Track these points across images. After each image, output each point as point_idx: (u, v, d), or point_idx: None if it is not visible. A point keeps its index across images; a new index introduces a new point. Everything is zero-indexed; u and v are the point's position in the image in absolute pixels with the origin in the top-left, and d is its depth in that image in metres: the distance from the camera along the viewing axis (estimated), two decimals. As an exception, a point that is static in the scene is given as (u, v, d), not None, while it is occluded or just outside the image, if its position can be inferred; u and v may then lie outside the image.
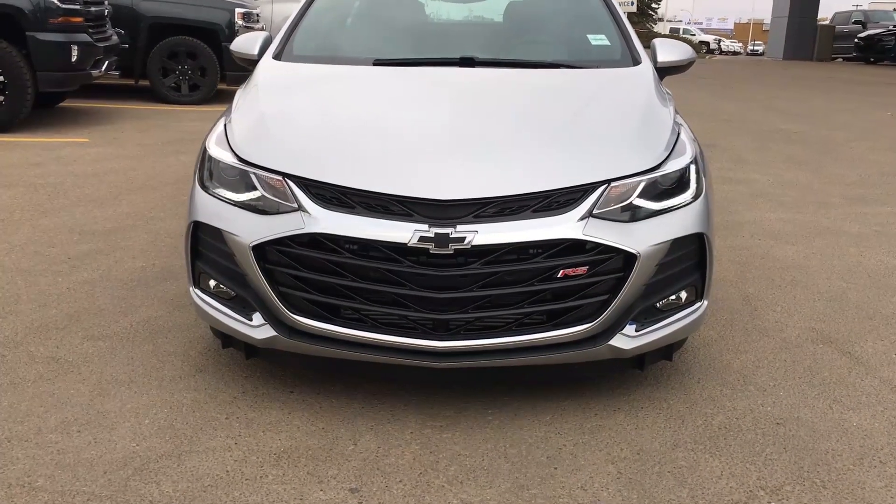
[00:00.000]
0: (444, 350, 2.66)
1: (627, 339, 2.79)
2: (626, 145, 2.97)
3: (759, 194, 6.59)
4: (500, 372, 2.83)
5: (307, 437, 2.71)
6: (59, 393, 2.96)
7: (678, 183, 2.89)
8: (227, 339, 3.02)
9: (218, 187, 2.89)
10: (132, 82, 10.99)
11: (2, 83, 7.75)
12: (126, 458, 2.56)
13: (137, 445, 2.63)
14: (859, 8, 31.46)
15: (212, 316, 2.93)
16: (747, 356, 3.44)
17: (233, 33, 10.28)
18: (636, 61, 3.70)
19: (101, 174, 6.44)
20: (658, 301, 2.86)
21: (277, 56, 3.74)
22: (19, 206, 5.38)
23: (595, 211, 2.68)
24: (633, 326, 2.80)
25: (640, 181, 2.78)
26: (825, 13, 32.55)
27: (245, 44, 3.91)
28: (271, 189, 2.75)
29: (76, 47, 7.98)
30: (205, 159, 3.01)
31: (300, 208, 2.67)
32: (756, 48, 58.12)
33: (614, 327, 2.77)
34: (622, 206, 2.73)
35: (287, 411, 2.86)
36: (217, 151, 2.97)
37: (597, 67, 3.70)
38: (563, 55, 3.86)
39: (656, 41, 3.93)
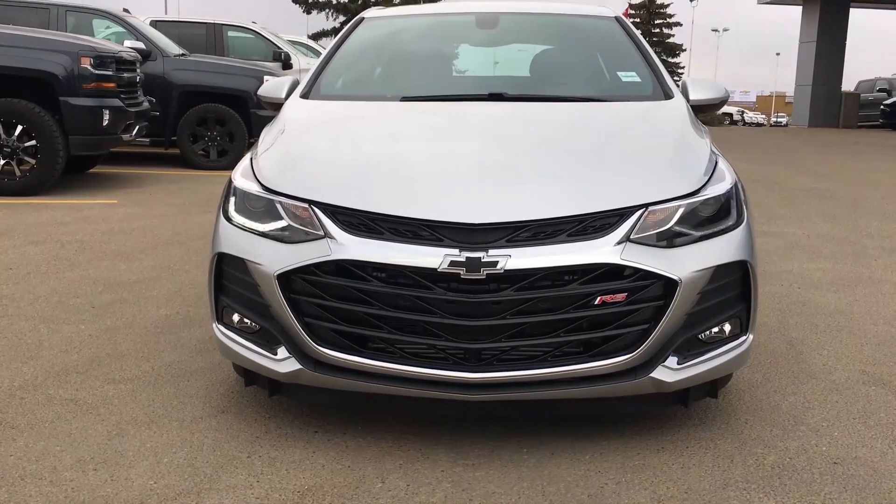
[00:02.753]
0: (477, 381, 2.53)
1: (670, 372, 2.64)
2: (664, 170, 2.87)
3: (794, 246, 6.44)
4: (536, 407, 2.69)
5: (333, 475, 2.56)
6: (76, 433, 2.84)
7: (719, 210, 2.78)
8: (251, 377, 2.91)
9: (243, 218, 2.82)
10: (162, 149, 11.14)
11: (34, 147, 7.86)
12: (142, 496, 2.43)
13: (155, 483, 2.50)
14: (883, 77, 31.48)
15: (235, 351, 2.83)
16: (796, 398, 3.26)
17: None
18: (668, 96, 3.63)
19: (128, 231, 6.44)
20: (701, 332, 2.71)
21: (305, 95, 3.72)
22: (45, 261, 5.36)
23: (633, 236, 2.57)
24: (675, 359, 2.65)
25: (680, 206, 2.67)
26: (847, 85, 32.63)
27: (273, 88, 3.91)
28: (297, 218, 2.67)
29: (108, 112, 8.11)
30: (230, 191, 2.95)
31: (326, 235, 2.59)
32: (779, 120, 58.43)
33: (655, 359, 2.63)
34: (661, 232, 2.61)
35: (311, 450, 2.72)
36: (243, 182, 2.91)
37: (629, 101, 3.63)
38: (593, 91, 3.80)
39: (687, 79, 3.86)
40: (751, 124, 54.20)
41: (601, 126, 3.30)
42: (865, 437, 2.91)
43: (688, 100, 3.68)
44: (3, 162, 7.86)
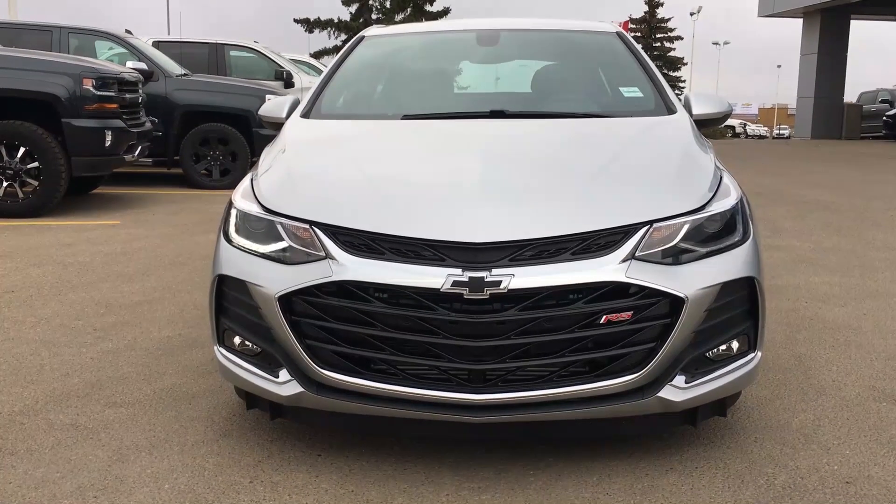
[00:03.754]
0: (481, 403, 2.49)
1: (678, 391, 2.59)
2: (668, 187, 2.84)
3: (800, 260, 6.39)
4: (542, 428, 2.64)
5: (336, 500, 2.52)
6: (76, 459, 2.81)
7: (724, 226, 2.74)
8: (252, 400, 2.87)
9: (243, 240, 2.79)
10: (165, 169, 11.16)
11: (36, 169, 7.86)
12: (143, 523, 2.39)
13: (155, 511, 2.46)
14: (885, 88, 31.47)
15: (236, 374, 2.79)
16: (806, 415, 3.21)
17: (263, 119, 10.44)
18: (671, 111, 3.60)
19: (131, 252, 6.42)
20: (709, 351, 2.67)
21: (305, 115, 3.70)
22: (48, 283, 5.34)
23: (638, 253, 2.53)
24: (683, 378, 2.61)
25: (685, 223, 2.64)
26: (849, 96, 32.63)
27: (273, 108, 3.89)
28: (298, 239, 2.64)
29: (110, 132, 8.12)
30: (230, 213, 2.93)
31: (328, 256, 2.56)
32: (782, 132, 58.40)
33: (663, 378, 2.59)
34: (666, 249, 2.58)
35: (314, 474, 2.68)
36: (243, 203, 2.89)
37: (631, 117, 3.61)
38: (595, 107, 3.77)
39: (690, 94, 3.83)
40: (753, 137, 54.18)
41: (604, 143, 3.27)
42: (878, 454, 2.86)
43: (691, 114, 3.65)
44: (6, 184, 7.87)
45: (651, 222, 2.59)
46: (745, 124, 58.84)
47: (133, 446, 2.91)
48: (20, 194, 7.92)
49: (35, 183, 7.92)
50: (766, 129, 63.78)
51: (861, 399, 3.39)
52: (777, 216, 8.76)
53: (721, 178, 2.96)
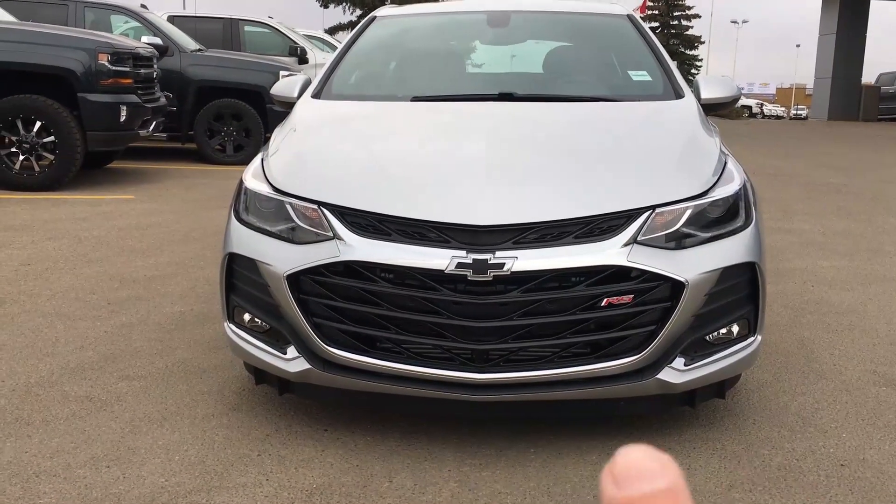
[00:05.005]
0: (483, 382, 2.55)
1: (677, 374, 2.65)
2: (672, 171, 2.88)
3: (809, 243, 6.41)
4: (543, 408, 2.70)
5: (341, 473, 2.59)
6: (90, 430, 2.89)
7: (727, 211, 2.78)
8: (261, 376, 2.95)
9: (253, 219, 2.86)
10: (179, 144, 11.23)
11: (52, 143, 7.94)
12: (154, 493, 2.47)
13: (166, 481, 2.54)
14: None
15: (245, 350, 2.86)
16: (805, 398, 3.26)
17: (277, 95, 10.48)
18: (679, 95, 3.62)
19: (145, 227, 6.50)
20: (708, 334, 2.72)
21: (316, 95, 3.75)
22: (63, 257, 5.43)
23: (640, 238, 2.58)
24: (682, 360, 2.66)
25: (687, 208, 2.68)
26: (867, 77, 32.30)
27: (285, 87, 3.93)
28: (306, 219, 2.70)
29: (125, 108, 8.17)
30: (241, 192, 2.99)
31: (335, 237, 2.62)
32: (799, 112, 57.90)
33: (662, 360, 2.64)
34: (668, 234, 2.62)
35: (321, 448, 2.76)
36: (253, 183, 2.95)
37: (639, 101, 3.63)
38: (603, 91, 3.80)
39: (699, 78, 3.85)
40: (770, 117, 53.74)
41: (609, 127, 3.30)
42: (874, 438, 2.91)
43: (699, 98, 3.66)
44: (22, 158, 7.95)
45: (653, 207, 2.63)
46: (762, 104, 58.36)
47: (145, 418, 2.99)
48: (36, 168, 8.00)
49: (51, 157, 8.00)
50: (783, 109, 63.23)
51: (861, 383, 3.43)
52: (788, 198, 8.75)
53: (725, 163, 2.99)
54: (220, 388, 3.27)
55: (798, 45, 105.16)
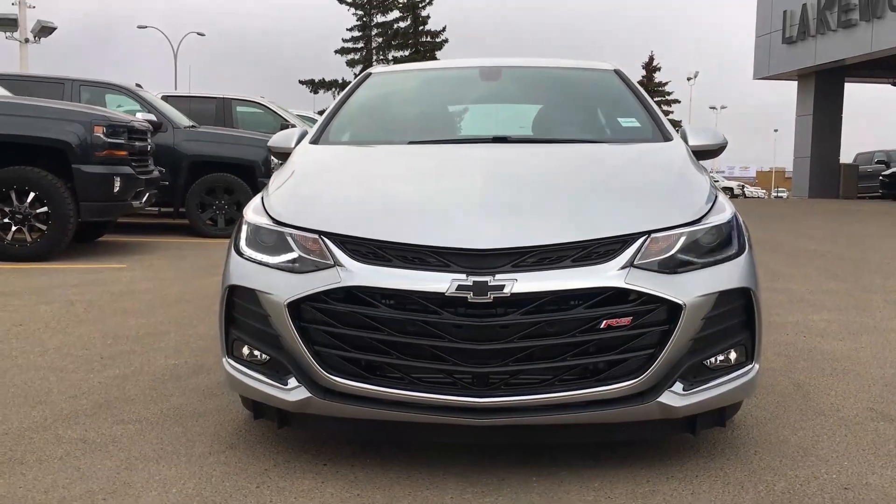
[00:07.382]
0: (484, 406, 2.55)
1: (677, 397, 2.65)
2: (666, 200, 2.95)
3: (799, 300, 6.46)
4: (545, 432, 2.69)
5: (341, 502, 2.55)
6: (84, 468, 2.85)
7: (721, 239, 2.84)
8: (259, 410, 2.93)
9: (254, 251, 2.89)
10: (171, 219, 11.30)
11: (45, 213, 7.99)
12: (151, 522, 2.42)
13: (163, 511, 2.50)
14: (882, 149, 31.87)
15: (244, 383, 2.85)
16: (805, 432, 3.25)
17: (269, 170, 10.64)
18: (668, 139, 3.72)
19: (137, 292, 6.49)
20: (706, 359, 2.74)
21: (314, 142, 3.83)
22: (55, 318, 5.41)
23: (636, 262, 2.62)
24: (682, 385, 2.67)
25: (682, 234, 2.73)
26: (844, 157, 32.99)
27: (282, 139, 4.02)
28: (307, 249, 2.74)
29: (119, 178, 8.26)
30: (241, 226, 3.03)
31: (336, 264, 2.65)
32: (780, 194, 58.89)
33: (662, 384, 2.65)
34: (664, 259, 2.67)
35: (320, 480, 2.72)
36: (254, 217, 2.99)
37: (629, 143, 3.74)
38: (594, 135, 3.91)
39: (686, 126, 3.97)
40: (751, 198, 54.61)
41: (604, 162, 3.39)
42: (875, 466, 2.90)
43: (688, 145, 3.76)
44: (14, 228, 7.98)
45: (649, 233, 2.69)
46: (742, 186, 59.34)
47: (141, 457, 2.95)
48: (29, 238, 8.02)
49: (43, 227, 8.03)
50: (763, 191, 64.33)
51: (860, 419, 3.43)
52: (775, 264, 8.84)
53: (716, 196, 3.06)
54: (217, 430, 3.24)
55: (776, 130, 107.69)
